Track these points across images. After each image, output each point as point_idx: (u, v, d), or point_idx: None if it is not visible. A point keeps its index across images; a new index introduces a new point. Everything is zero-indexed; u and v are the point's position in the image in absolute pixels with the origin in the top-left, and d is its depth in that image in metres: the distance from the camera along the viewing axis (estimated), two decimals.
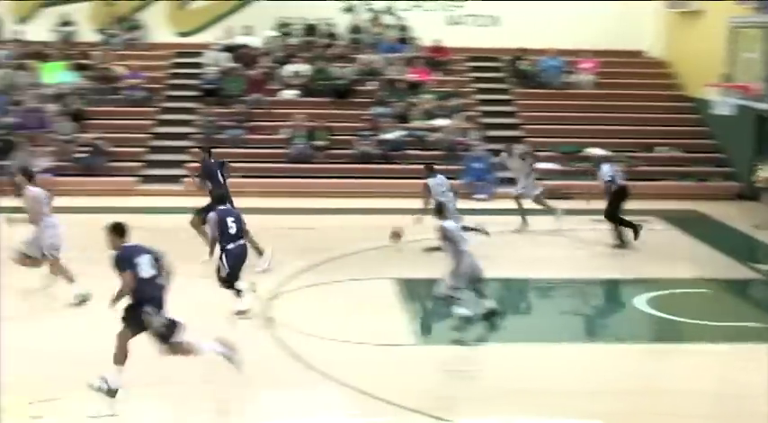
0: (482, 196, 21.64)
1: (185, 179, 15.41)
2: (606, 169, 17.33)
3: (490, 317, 12.61)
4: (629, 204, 17.36)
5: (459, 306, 12.39)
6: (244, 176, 21.36)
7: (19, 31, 25.93)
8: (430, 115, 24.00)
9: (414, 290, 14.33)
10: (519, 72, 26.15)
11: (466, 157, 22.53)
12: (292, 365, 10.86)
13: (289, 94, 24.84)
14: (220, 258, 12.78)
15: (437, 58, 26.16)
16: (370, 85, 24.96)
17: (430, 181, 16.69)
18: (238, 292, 12.70)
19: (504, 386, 10.32)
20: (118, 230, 9.87)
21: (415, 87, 24.92)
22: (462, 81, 26.02)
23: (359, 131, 23.35)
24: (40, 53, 25.01)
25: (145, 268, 9.63)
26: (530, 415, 9.72)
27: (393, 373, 10.68)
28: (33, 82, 24.02)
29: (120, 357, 9.48)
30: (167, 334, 9.63)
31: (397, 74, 25.16)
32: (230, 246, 12.78)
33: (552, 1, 26.29)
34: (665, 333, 13.16)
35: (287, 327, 12.10)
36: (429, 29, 26.54)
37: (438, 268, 14.96)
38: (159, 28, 26.96)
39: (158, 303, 9.68)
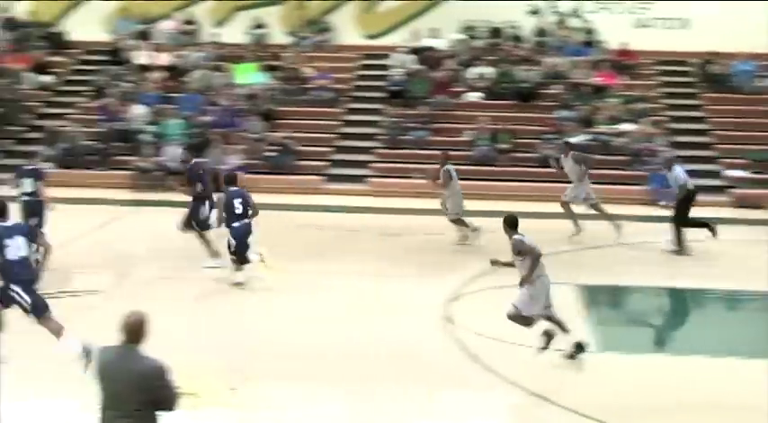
0: (666, 203, 21.12)
1: (179, 188, 15.73)
2: (679, 170, 16.94)
3: (578, 353, 11.02)
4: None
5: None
6: (427, 178, 21.59)
7: (215, 33, 27.02)
8: (615, 120, 23.62)
9: (595, 296, 14.20)
10: (709, 76, 25.41)
11: (651, 163, 22.06)
12: (471, 367, 10.95)
13: (473, 96, 24.96)
14: (229, 235, 13.88)
15: (624, 62, 25.73)
16: (555, 89, 24.80)
17: (452, 168, 17.19)
18: (242, 263, 13.87)
19: (686, 399, 10.06)
20: None
21: (600, 91, 24.59)
22: (649, 85, 25.50)
23: (542, 135, 23.24)
24: (234, 55, 26.00)
25: (12, 250, 9.86)
26: None
27: (571, 380, 10.62)
28: (227, 82, 24.99)
29: None
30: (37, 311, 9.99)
31: (583, 77, 24.88)
32: (236, 224, 13.81)
33: (745, 2, 25.44)
34: None
35: (467, 328, 12.19)
36: (616, 32, 26.11)
37: (621, 276, 14.84)
38: (347, 30, 27.55)
39: (28, 283, 9.97)
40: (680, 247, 16.73)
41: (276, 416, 9.47)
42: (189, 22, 27.42)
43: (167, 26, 27.23)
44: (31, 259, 10.26)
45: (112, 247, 16.18)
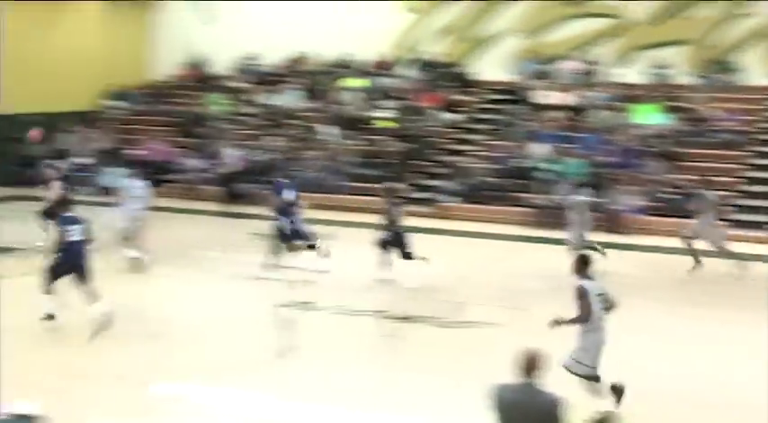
0: None
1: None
2: None
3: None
4: None
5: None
6: None
7: (617, 73, 27.07)
8: None
9: None
10: None
11: None
12: None
13: None
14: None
15: None
16: None
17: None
18: (313, 246, 17.14)
19: None
20: None
21: None
22: None
23: None
24: (635, 95, 25.91)
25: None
26: None
27: None
28: (627, 122, 24.94)
29: None
30: None
31: None
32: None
33: None
34: None
35: None
36: None
37: None
38: (755, 70, 26.52)
39: None
40: None
41: None
42: (590, 62, 27.69)
43: (568, 66, 27.69)
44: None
45: (510, 282, 16.69)
